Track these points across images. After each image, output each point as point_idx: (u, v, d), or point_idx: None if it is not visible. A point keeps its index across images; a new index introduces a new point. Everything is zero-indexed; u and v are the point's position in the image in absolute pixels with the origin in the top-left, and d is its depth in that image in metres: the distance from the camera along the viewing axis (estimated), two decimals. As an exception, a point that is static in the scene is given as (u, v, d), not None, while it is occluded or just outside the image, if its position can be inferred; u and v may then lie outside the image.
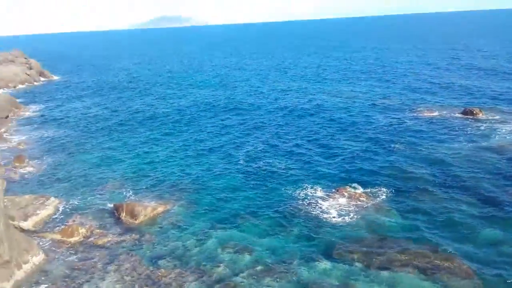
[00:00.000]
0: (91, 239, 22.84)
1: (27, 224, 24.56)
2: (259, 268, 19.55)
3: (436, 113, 45.69)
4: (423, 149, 34.33)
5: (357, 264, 19.55)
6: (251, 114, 50.63)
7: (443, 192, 26.48)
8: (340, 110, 49.87)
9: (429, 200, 25.59)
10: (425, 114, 45.54)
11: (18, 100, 62.24)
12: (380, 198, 26.20)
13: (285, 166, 32.75)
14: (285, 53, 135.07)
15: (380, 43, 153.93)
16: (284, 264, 19.80)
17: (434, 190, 26.79)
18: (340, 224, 23.27)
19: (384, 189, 27.27)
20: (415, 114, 45.85)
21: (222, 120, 48.75)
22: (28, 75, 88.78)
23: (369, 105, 51.90)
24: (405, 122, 43.00)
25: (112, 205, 26.42)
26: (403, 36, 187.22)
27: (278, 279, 18.72)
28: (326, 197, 26.75)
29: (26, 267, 19.79)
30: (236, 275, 19.13)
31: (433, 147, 34.82)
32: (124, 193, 28.81)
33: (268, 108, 53.31)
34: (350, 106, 51.57)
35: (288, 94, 61.86)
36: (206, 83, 78.19)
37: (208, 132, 43.53)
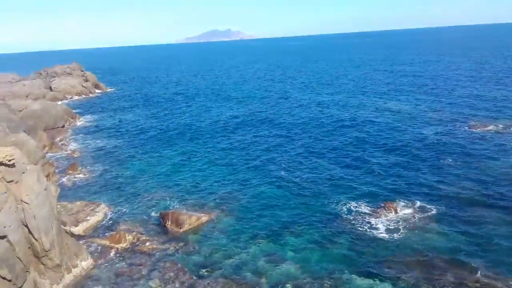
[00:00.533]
0: (138, 246, 23.34)
1: (78, 230, 25.46)
2: (303, 281, 19.22)
3: (490, 127, 43.55)
4: (475, 166, 32.74)
5: (404, 282, 18.81)
6: (292, 127, 50.43)
7: (494, 214, 24.94)
8: (389, 124, 48.66)
9: (478, 221, 24.19)
10: (478, 129, 43.51)
11: (74, 111, 65.20)
12: (428, 215, 25.16)
13: (329, 179, 32.26)
14: (328, 66, 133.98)
15: (430, 55, 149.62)
16: (329, 279, 19.34)
17: (484, 211, 25.34)
18: (387, 241, 22.50)
19: (433, 207, 26.18)
20: (467, 129, 43.93)
21: (264, 132, 48.81)
22: (84, 87, 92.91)
23: (419, 119, 50.32)
24: (457, 136, 41.27)
25: (158, 214, 26.94)
26: (452, 48, 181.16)
27: (321, 294, 18.31)
28: (373, 212, 26.02)
29: (76, 271, 20.46)
30: (277, 287, 18.90)
31: (485, 164, 33.10)
32: (170, 202, 29.32)
33: (310, 121, 52.90)
34: (399, 120, 50.24)
35: (337, 107, 61.15)
36: (250, 95, 78.77)
37: (249, 144, 43.73)
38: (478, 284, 18.25)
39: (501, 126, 43.72)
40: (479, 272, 19.11)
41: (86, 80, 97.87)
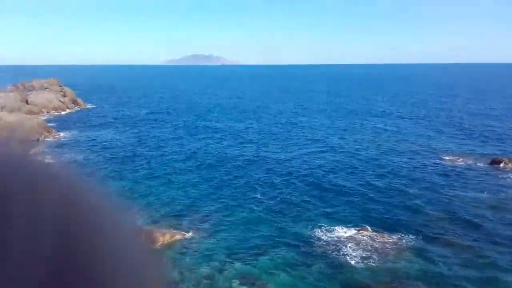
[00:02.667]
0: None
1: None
2: (274, 304, 19.08)
3: (460, 160, 44.82)
4: (445, 196, 33.52)
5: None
6: (269, 148, 50.66)
7: (465, 240, 25.61)
8: (360, 150, 49.46)
9: (450, 248, 24.75)
10: (449, 160, 44.78)
11: (50, 125, 64.16)
12: (401, 242, 25.49)
13: (303, 202, 32.47)
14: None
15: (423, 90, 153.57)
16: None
17: (456, 238, 25.91)
18: (360, 266, 22.62)
19: (405, 233, 26.54)
20: (438, 160, 45.05)
21: (239, 150, 48.89)
22: (62, 102, 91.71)
23: (391, 146, 51.40)
24: (428, 167, 42.27)
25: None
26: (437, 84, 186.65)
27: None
28: (346, 237, 26.21)
29: None
30: (251, 309, 18.70)
31: (455, 194, 33.96)
32: (144, 219, 28.88)
33: (288, 141, 53.27)
34: (370, 147, 51.17)
35: (305, 133, 61.78)
36: (243, 114, 79.05)
37: (231, 166, 43.67)
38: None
39: (471, 159, 44.97)
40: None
41: (64, 96, 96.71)
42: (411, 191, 34.97)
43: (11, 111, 67.47)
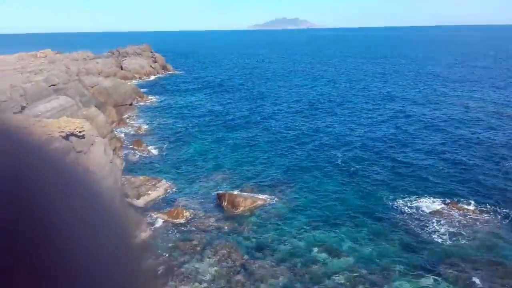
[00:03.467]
0: (194, 222, 24.00)
1: (139, 202, 26.57)
2: (353, 274, 18.93)
3: None
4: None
5: (463, 285, 18.03)
6: (357, 116, 49.24)
7: None
8: (457, 121, 46.30)
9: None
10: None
11: (142, 90, 67.66)
12: (494, 218, 23.87)
13: (389, 172, 31.38)
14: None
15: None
16: (380, 275, 18.93)
17: None
18: (448, 241, 21.61)
19: (499, 209, 24.78)
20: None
21: (327, 119, 48.09)
22: (153, 67, 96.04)
23: (491, 115, 47.54)
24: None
25: (215, 194, 27.51)
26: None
27: (373, 288, 17.99)
28: (434, 211, 25.05)
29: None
30: (329, 278, 18.75)
31: None
32: (228, 183, 29.81)
33: (374, 112, 51.39)
34: (470, 117, 47.66)
35: (398, 100, 58.99)
36: (317, 80, 77.77)
37: (312, 132, 43.25)
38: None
39: None
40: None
41: (155, 61, 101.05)
42: (507, 164, 32.37)
43: (107, 76, 71.91)
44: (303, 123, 47.84)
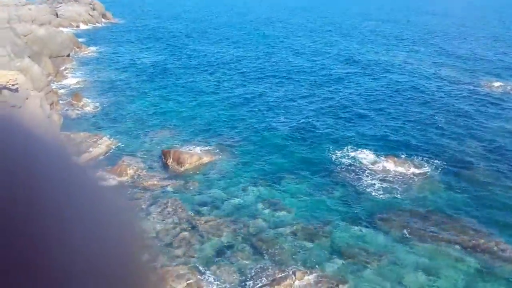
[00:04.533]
0: (138, 180, 23.78)
1: (80, 160, 25.80)
2: (295, 227, 19.76)
3: (497, 85, 43.06)
4: (476, 125, 32.64)
5: (397, 233, 19.35)
6: (294, 71, 49.62)
7: (494, 172, 25.31)
8: (392, 75, 47.83)
9: (478, 178, 24.59)
10: (485, 87, 43.06)
11: (80, 40, 64.12)
12: (427, 170, 25.43)
13: (329, 126, 32.33)
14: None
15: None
16: (321, 226, 19.90)
17: (484, 169, 25.66)
18: (384, 192, 22.93)
19: (432, 162, 26.36)
20: (472, 87, 43.37)
21: (275, 79, 48.14)
22: (91, 15, 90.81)
23: (424, 72, 49.51)
24: (461, 94, 40.85)
25: (160, 151, 27.21)
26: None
27: (314, 240, 18.88)
28: (371, 163, 26.28)
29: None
30: (273, 231, 19.45)
31: (488, 123, 33.03)
32: (173, 140, 29.52)
33: (313, 66, 51.94)
34: (404, 72, 49.38)
35: (338, 54, 59.82)
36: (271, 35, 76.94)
37: (262, 87, 43.28)
38: (481, 241, 18.78)
39: (509, 86, 43.14)
40: (473, 229, 19.59)
41: (94, 9, 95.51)
42: (443, 120, 34.14)
43: (41, 24, 67.35)
44: (252, 80, 47.57)
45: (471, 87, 43.10)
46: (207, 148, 28.32)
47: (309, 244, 18.58)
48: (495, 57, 58.58)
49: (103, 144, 28.00)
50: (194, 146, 28.47)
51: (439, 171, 25.37)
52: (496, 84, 43.83)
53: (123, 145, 28.39)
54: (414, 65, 53.47)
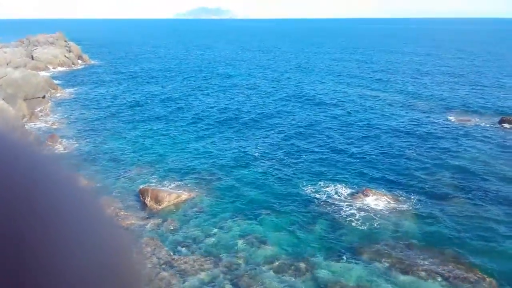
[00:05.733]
0: (116, 220, 23.28)
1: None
2: (277, 263, 19.54)
3: (468, 119, 44.45)
4: (451, 158, 33.37)
5: (378, 266, 19.29)
6: (269, 108, 50.37)
7: (470, 202, 25.74)
8: (364, 111, 48.99)
9: (455, 209, 24.95)
10: (457, 120, 44.38)
11: (55, 82, 63.94)
12: (404, 203, 25.69)
13: (309, 162, 32.59)
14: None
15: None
16: (303, 261, 19.71)
17: (461, 199, 26.09)
18: (363, 225, 22.97)
19: (409, 195, 26.71)
20: (445, 120, 44.70)
21: (248, 113, 48.72)
22: (68, 57, 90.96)
23: (396, 106, 50.91)
24: (434, 126, 41.98)
25: (137, 190, 26.88)
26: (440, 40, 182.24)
27: (296, 275, 18.67)
28: (349, 197, 26.45)
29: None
30: (254, 267, 19.18)
31: (462, 155, 33.83)
32: (151, 178, 29.25)
33: (288, 102, 52.87)
34: (375, 106, 50.66)
35: (304, 90, 61.11)
36: (240, 76, 78.23)
37: (234, 124, 43.63)
38: (461, 272, 18.87)
39: (479, 119, 44.53)
40: (452, 260, 19.74)
41: (70, 51, 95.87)
42: (415, 151, 34.86)
43: (17, 66, 67.04)
44: (226, 113, 48.01)
45: (441, 121, 44.36)
46: (185, 185, 28.13)
47: (291, 280, 18.36)
48: (457, 92, 60.64)
49: (79, 184, 27.50)
50: (171, 184, 28.26)
51: (416, 202, 25.66)
52: (466, 117, 45.26)
53: (99, 185, 27.94)
54: (384, 101, 54.91)
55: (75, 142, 37.10)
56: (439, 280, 18.35)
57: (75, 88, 63.47)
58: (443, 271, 18.84)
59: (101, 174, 29.81)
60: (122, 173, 30.13)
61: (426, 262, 19.52)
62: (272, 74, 79.14)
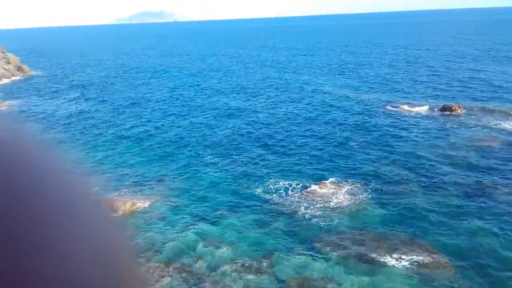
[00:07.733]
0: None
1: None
2: (239, 262, 19.56)
3: (413, 109, 46.30)
4: (399, 145, 34.76)
5: (336, 256, 19.73)
6: (217, 110, 50.40)
7: (420, 187, 26.96)
8: (313, 105, 49.96)
9: (407, 194, 25.99)
10: (402, 109, 46.16)
11: (-6, 95, 60.91)
12: (358, 192, 26.46)
13: (261, 160, 32.86)
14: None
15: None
16: (264, 259, 19.85)
17: (411, 185, 27.26)
18: (320, 218, 23.40)
19: (363, 184, 27.52)
20: (390, 109, 46.38)
21: (199, 117, 48.46)
22: (6, 69, 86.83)
23: (341, 99, 52.32)
24: (380, 117, 43.46)
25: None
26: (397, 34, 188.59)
27: (258, 273, 18.77)
28: (305, 191, 26.87)
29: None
30: (216, 269, 19.12)
31: (408, 142, 35.27)
32: (104, 188, 28.41)
33: (235, 101, 53.12)
34: (325, 100, 51.77)
35: (261, 88, 61.64)
36: (189, 74, 77.55)
37: (187, 129, 43.29)
38: (416, 253, 19.66)
39: (423, 108, 46.46)
40: (406, 241, 20.52)
41: (8, 62, 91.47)
42: (364, 142, 35.92)
43: (-50, 82, 63.34)
44: (178, 119, 47.50)
45: (387, 111, 46.00)
46: (141, 192, 27.60)
47: (254, 279, 18.42)
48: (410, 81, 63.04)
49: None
50: (127, 192, 27.64)
51: (369, 190, 26.50)
52: (410, 107, 47.13)
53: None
54: (329, 94, 56.15)
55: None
56: (395, 263, 19.04)
57: (16, 101, 60.61)
58: (398, 255, 19.56)
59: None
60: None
61: (381, 248, 20.18)
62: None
